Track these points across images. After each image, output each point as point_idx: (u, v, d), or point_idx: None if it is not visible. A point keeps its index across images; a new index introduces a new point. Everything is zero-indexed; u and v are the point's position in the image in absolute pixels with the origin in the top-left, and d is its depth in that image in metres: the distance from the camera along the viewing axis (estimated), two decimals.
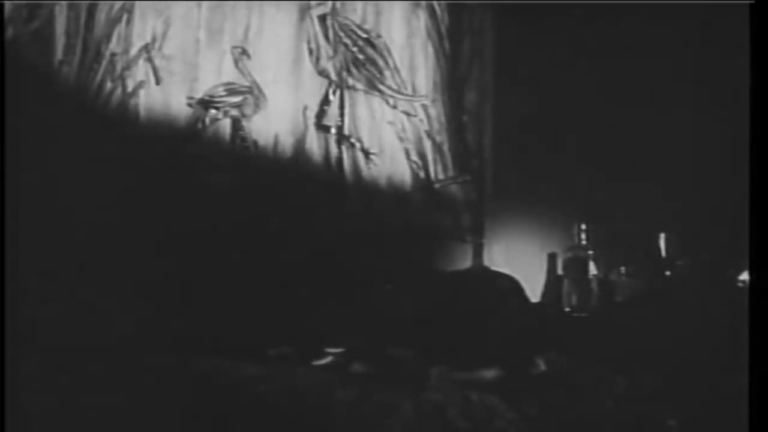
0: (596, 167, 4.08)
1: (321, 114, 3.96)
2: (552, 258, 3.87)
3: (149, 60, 3.67)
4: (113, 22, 3.61)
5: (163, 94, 3.69)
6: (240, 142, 3.80)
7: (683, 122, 4.02)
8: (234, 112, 3.80)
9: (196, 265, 3.38)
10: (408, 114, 4.11)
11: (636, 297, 3.69)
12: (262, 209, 3.69)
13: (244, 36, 3.84)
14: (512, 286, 3.44)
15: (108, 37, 3.60)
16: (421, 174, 4.11)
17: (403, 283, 3.53)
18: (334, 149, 3.98)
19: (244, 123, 3.81)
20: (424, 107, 4.15)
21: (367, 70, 4.06)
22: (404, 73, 4.13)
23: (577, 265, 3.75)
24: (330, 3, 4.02)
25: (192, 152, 3.71)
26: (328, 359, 2.99)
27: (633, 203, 3.99)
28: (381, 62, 4.09)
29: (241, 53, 3.82)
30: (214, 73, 3.79)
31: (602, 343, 3.20)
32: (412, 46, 4.18)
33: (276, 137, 3.86)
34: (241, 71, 3.82)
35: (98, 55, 3.58)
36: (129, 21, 3.65)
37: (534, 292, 3.73)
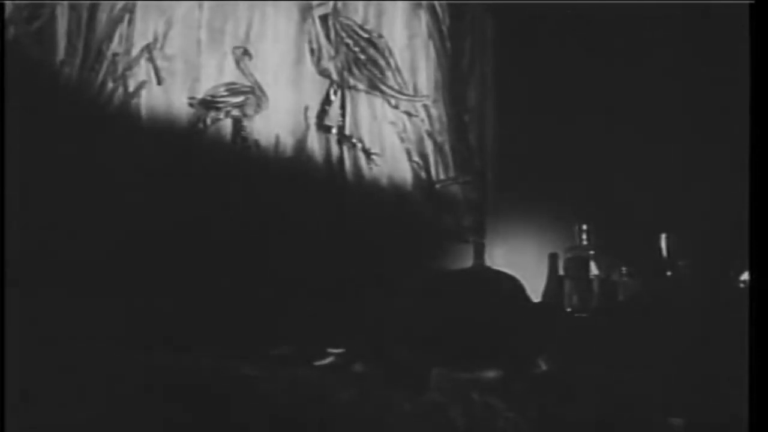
0: (598, 167, 4.08)
1: (322, 114, 3.96)
2: (553, 258, 3.86)
3: (151, 60, 3.66)
4: (115, 22, 3.61)
5: (165, 94, 3.68)
6: (241, 142, 3.80)
7: (683, 122, 4.02)
8: (235, 112, 3.80)
9: (196, 265, 3.38)
10: (409, 114, 4.12)
11: (637, 297, 3.69)
12: (263, 209, 3.69)
13: (245, 36, 3.84)
14: (514, 286, 3.44)
15: (110, 38, 3.60)
16: (423, 174, 4.11)
17: (404, 283, 3.52)
18: (335, 149, 3.98)
19: (246, 123, 3.81)
20: (426, 107, 4.15)
21: (369, 70, 4.06)
22: (406, 73, 4.13)
23: (579, 266, 3.75)
24: (331, 3, 4.02)
25: (193, 152, 3.71)
26: (329, 359, 2.99)
27: (634, 203, 3.99)
28: (382, 62, 4.09)
29: (243, 53, 3.82)
30: (215, 74, 3.79)
31: (604, 343, 3.20)
32: (414, 46, 4.18)
33: (277, 137, 3.86)
34: (242, 71, 3.82)
35: (100, 55, 3.57)
36: (131, 21, 3.64)
37: (535, 292, 3.73)
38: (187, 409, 2.36)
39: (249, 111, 3.82)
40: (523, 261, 3.88)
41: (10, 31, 3.32)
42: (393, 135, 4.08)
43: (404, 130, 4.10)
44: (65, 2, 3.51)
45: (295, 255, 3.62)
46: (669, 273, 3.76)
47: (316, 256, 3.65)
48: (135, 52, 3.65)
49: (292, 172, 3.85)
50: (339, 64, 4.01)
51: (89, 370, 2.39)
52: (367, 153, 4.03)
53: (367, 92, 4.05)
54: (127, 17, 3.64)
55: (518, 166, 4.14)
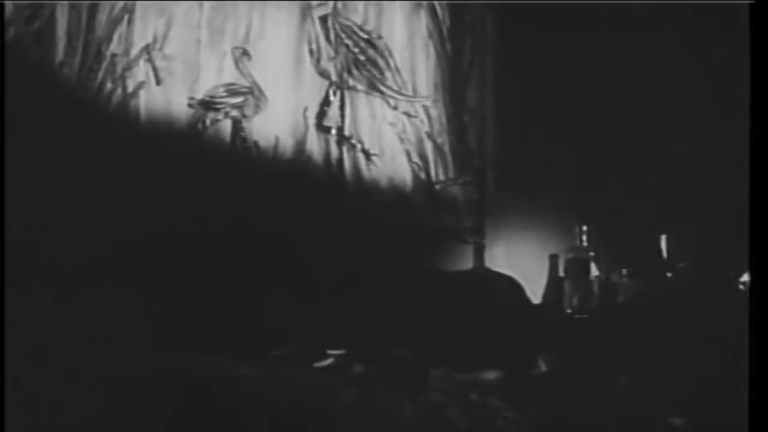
0: (598, 168, 4.08)
1: (321, 115, 3.96)
2: (553, 259, 3.86)
3: (150, 60, 3.66)
4: (114, 22, 3.61)
5: (164, 94, 3.69)
6: (240, 142, 3.80)
7: (684, 122, 4.03)
8: (235, 113, 3.80)
9: (196, 265, 3.38)
10: (409, 115, 4.12)
11: (637, 298, 3.69)
12: (263, 210, 3.69)
13: (245, 37, 3.84)
14: (513, 288, 3.44)
15: (109, 38, 3.60)
16: (422, 175, 4.11)
17: (404, 284, 3.52)
18: (334, 150, 3.98)
19: (245, 124, 3.81)
20: (425, 108, 4.15)
21: (368, 71, 4.06)
22: (405, 73, 4.14)
23: (579, 266, 3.75)
24: (331, 4, 4.02)
25: (192, 153, 3.71)
26: (329, 360, 2.99)
27: (634, 204, 3.99)
28: (382, 63, 4.09)
29: (242, 54, 3.82)
30: (214, 74, 3.79)
31: (603, 344, 3.20)
32: (413, 46, 4.18)
33: (276, 138, 3.86)
34: (241, 72, 3.82)
35: (99, 55, 3.57)
36: (130, 21, 3.64)
37: (535, 293, 3.73)
38: (187, 409, 2.36)
39: (248, 111, 3.82)
40: (523, 262, 3.88)
41: (10, 32, 3.32)
42: (393, 136, 4.09)
43: (404, 130, 4.10)
44: (65, 2, 3.52)
45: (295, 255, 3.62)
46: (669, 274, 3.76)
47: (316, 257, 3.65)
48: (134, 52, 3.65)
49: (291, 173, 3.85)
50: (338, 65, 4.01)
51: (89, 370, 2.39)
52: (367, 154, 4.03)
53: (366, 93, 4.06)
54: (126, 17, 3.64)
55: (518, 167, 4.14)
